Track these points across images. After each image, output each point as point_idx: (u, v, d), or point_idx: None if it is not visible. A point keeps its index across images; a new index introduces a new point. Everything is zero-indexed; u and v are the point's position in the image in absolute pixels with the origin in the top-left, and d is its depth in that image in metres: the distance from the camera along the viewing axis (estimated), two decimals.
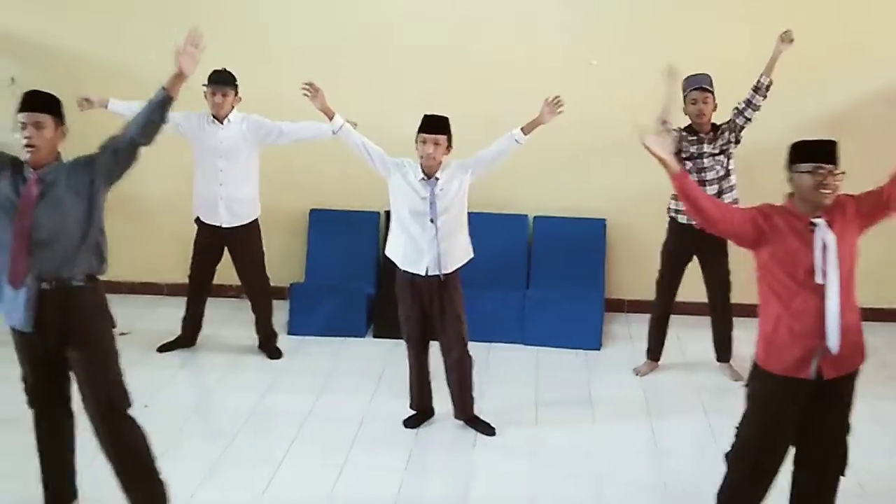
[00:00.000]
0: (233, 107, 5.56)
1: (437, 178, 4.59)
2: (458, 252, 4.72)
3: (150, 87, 6.61)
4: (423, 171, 4.59)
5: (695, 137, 5.27)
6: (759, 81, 5.22)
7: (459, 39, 6.42)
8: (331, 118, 4.78)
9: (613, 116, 6.32)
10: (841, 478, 3.60)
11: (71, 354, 3.61)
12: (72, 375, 3.69)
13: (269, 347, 5.87)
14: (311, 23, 6.50)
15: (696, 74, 5.25)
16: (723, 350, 5.59)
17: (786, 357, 3.44)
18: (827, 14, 6.16)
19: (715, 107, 5.27)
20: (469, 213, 4.76)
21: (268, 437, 4.82)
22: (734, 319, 5.53)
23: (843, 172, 3.39)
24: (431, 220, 4.59)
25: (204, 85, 5.46)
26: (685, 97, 5.25)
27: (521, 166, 6.46)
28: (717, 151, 5.24)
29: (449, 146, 4.60)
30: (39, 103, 3.55)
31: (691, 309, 5.93)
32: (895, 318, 6.38)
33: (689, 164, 5.23)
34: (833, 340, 3.37)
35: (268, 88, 6.05)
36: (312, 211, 6.71)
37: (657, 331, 5.65)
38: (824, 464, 3.58)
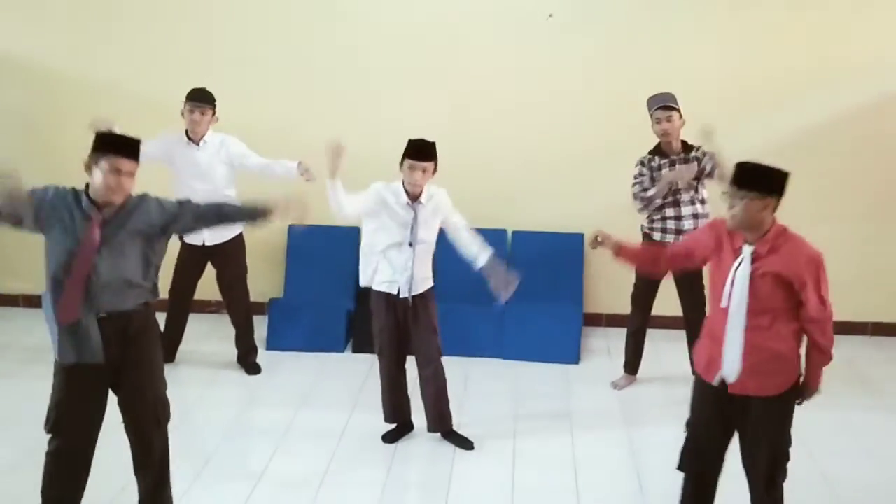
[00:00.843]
0: (209, 126, 5.58)
1: (421, 203, 4.60)
2: (426, 278, 4.76)
3: (127, 105, 6.59)
4: (407, 194, 4.60)
5: (666, 160, 5.31)
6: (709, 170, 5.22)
7: (440, 63, 6.48)
8: (332, 176, 4.55)
9: (590, 133, 6.41)
10: (775, 492, 3.60)
11: (121, 376, 3.60)
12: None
13: (248, 362, 5.87)
14: (292, 52, 6.55)
15: (658, 94, 5.30)
16: None
17: (701, 358, 3.60)
18: (794, 35, 6.28)
19: (683, 122, 5.30)
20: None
21: (247, 452, 4.82)
22: None
23: (750, 198, 3.30)
24: (410, 244, 4.62)
25: (183, 101, 5.49)
26: (650, 117, 5.31)
27: (500, 181, 6.52)
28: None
29: (434, 170, 4.61)
30: (129, 150, 3.45)
31: (668, 323, 5.98)
32: (866, 331, 6.46)
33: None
34: (727, 368, 3.44)
35: (247, 114, 6.09)
36: (291, 226, 6.71)
37: (634, 344, 5.71)
38: (751, 476, 3.63)
